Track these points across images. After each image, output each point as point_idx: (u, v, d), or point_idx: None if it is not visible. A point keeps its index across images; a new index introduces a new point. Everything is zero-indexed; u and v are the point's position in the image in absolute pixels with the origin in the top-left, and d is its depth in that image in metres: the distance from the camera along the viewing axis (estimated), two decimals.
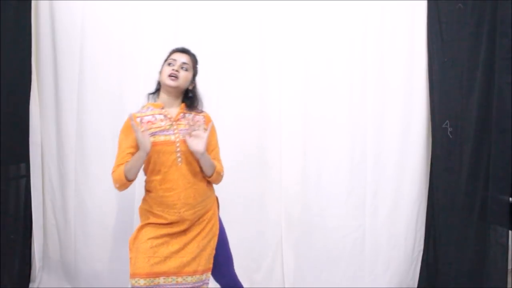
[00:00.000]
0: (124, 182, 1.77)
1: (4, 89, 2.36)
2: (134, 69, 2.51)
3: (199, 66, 1.98)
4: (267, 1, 2.56)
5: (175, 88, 1.85)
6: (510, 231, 2.44)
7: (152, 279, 1.74)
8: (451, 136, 2.54)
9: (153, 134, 1.79)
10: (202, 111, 1.95)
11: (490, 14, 2.46)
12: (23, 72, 2.51)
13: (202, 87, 2.53)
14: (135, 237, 1.81)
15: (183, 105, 1.90)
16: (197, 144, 1.76)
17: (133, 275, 1.74)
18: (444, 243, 2.57)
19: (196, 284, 1.81)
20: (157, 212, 1.81)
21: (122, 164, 1.78)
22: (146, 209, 1.86)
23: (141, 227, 1.83)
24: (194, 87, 1.95)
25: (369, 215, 2.66)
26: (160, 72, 1.90)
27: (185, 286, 1.79)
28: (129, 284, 1.77)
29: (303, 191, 2.63)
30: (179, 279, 1.77)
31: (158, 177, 1.80)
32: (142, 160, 1.74)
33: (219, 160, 1.94)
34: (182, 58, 1.88)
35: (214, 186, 1.96)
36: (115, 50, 2.53)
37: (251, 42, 2.58)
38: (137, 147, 1.76)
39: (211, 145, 1.91)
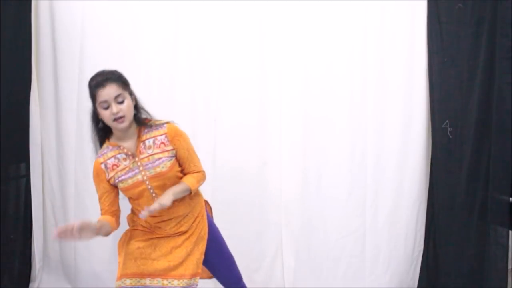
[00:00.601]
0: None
1: (4, 89, 2.36)
2: (134, 69, 2.50)
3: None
4: (267, 1, 2.56)
5: (129, 125, 1.71)
6: (510, 231, 2.44)
7: (138, 279, 1.73)
8: (451, 136, 2.54)
9: (120, 180, 1.74)
10: (161, 125, 1.77)
11: (490, 14, 2.46)
12: (23, 72, 2.51)
13: (202, 88, 2.57)
14: (123, 241, 1.82)
15: (139, 132, 1.76)
16: (163, 207, 1.63)
17: (120, 277, 1.73)
18: (444, 243, 2.57)
19: None
20: (144, 225, 1.82)
21: (102, 210, 1.77)
22: (134, 220, 1.87)
23: (129, 231, 1.85)
24: (136, 102, 1.77)
25: (369, 215, 2.65)
26: (99, 114, 1.70)
27: None
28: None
29: (303, 191, 2.63)
30: (165, 282, 1.75)
31: (139, 208, 1.78)
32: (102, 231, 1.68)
33: (195, 165, 1.82)
34: (110, 92, 1.64)
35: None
36: (115, 50, 2.53)
37: (251, 42, 2.57)
38: (110, 191, 1.76)
39: (182, 157, 1.78)
